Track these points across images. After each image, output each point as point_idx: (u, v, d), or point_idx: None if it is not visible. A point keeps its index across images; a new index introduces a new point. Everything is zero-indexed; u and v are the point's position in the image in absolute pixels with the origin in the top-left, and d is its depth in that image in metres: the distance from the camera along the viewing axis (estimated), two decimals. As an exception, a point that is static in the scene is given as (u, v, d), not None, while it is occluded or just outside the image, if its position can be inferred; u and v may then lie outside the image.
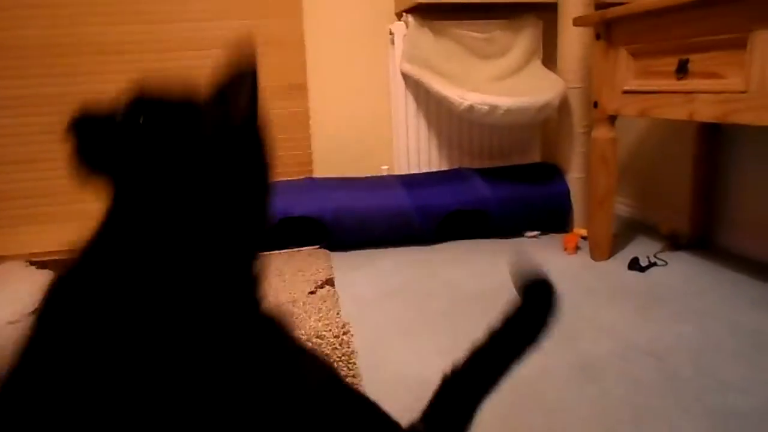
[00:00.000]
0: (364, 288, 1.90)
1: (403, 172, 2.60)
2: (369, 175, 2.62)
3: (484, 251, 2.24)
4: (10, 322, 1.73)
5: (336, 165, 2.70)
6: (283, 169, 2.62)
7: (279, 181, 2.45)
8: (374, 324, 1.61)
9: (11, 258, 2.38)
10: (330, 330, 1.34)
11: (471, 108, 2.22)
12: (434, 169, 2.63)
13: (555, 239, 2.33)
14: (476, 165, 2.62)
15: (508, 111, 2.21)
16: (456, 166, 2.63)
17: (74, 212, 2.47)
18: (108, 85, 2.45)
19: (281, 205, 2.28)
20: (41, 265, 2.28)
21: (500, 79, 2.53)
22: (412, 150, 2.63)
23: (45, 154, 2.43)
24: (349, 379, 1.24)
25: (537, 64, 2.58)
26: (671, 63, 1.66)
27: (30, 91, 2.40)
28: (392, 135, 2.71)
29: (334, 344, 1.30)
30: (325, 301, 1.71)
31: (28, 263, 2.31)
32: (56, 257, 2.36)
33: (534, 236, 2.40)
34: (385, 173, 2.70)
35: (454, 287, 1.87)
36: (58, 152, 2.41)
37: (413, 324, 1.60)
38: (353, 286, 1.92)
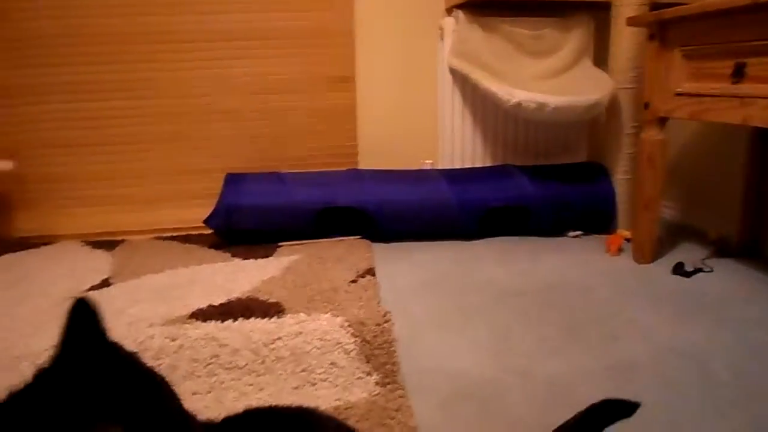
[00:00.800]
0: (404, 279, 1.93)
1: (446, 167, 2.62)
2: (413, 168, 2.65)
3: (525, 249, 2.24)
4: (66, 299, 1.83)
5: (380, 157, 2.73)
6: (329, 160, 2.68)
7: (324, 172, 2.52)
8: (412, 315, 1.63)
9: (67, 238, 2.49)
10: (371, 318, 1.38)
11: (519, 105, 2.21)
12: (479, 165, 2.64)
13: (598, 240, 2.32)
14: (521, 163, 2.61)
15: (556, 109, 2.20)
16: (500, 163, 2.64)
17: (126, 196, 2.57)
18: (160, 72, 2.54)
19: (325, 194, 2.33)
20: (95, 245, 2.39)
21: (549, 77, 2.52)
22: (456, 145, 2.64)
23: (100, 140, 2.54)
24: (388, 368, 1.27)
25: (587, 63, 2.55)
26: (727, 66, 1.62)
27: (86, 77, 2.51)
28: (437, 130, 2.72)
29: (375, 332, 1.33)
30: (366, 290, 1.75)
31: (82, 243, 2.42)
32: (108, 238, 2.46)
33: (576, 236, 2.39)
34: (428, 167, 2.72)
35: (492, 283, 1.88)
36: (112, 138, 2.53)
37: (450, 318, 1.62)
38: (393, 277, 1.95)
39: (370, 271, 1.95)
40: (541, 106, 2.20)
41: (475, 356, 1.39)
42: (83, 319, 0.53)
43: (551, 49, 2.55)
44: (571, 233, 2.39)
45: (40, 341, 1.41)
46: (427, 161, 2.76)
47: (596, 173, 2.42)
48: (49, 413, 0.52)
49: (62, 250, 2.33)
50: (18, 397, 0.53)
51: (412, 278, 1.94)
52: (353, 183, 2.39)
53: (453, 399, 1.21)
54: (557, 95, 2.23)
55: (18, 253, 2.30)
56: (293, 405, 0.69)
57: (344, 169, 2.57)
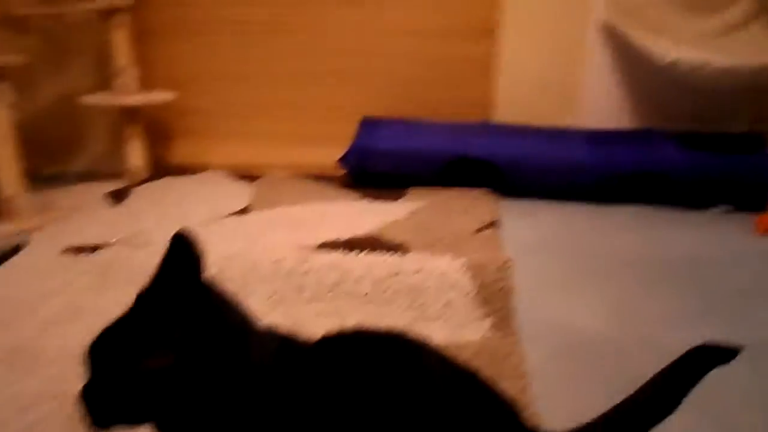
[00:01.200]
0: (529, 236, 1.90)
1: (588, 127, 2.50)
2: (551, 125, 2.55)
3: (662, 219, 2.10)
4: (209, 221, 2.00)
5: (517, 111, 2.65)
6: (464, 111, 2.64)
7: (456, 122, 2.51)
8: (534, 271, 1.61)
9: (215, 167, 2.70)
10: (492, 263, 1.38)
11: (675, 63, 2.05)
12: (623, 127, 2.49)
13: (746, 218, 2.12)
14: (670, 127, 2.43)
15: (717, 71, 2.02)
16: (647, 126, 2.47)
17: (270, 132, 2.73)
18: (317, 14, 2.63)
19: (457, 145, 2.33)
20: (239, 176, 2.57)
21: (714, 36, 2.29)
22: (601, 105, 2.51)
23: (253, 76, 2.70)
24: (503, 313, 1.28)
25: (760, 25, 2.29)
26: None
27: (247, 16, 2.65)
28: (582, 87, 2.59)
29: (494, 277, 1.34)
30: (489, 241, 1.75)
31: (229, 173, 2.62)
32: (250, 171, 2.64)
33: (722, 211, 2.20)
34: (567, 126, 2.61)
35: (622, 250, 1.80)
36: (264, 75, 2.67)
37: (573, 278, 1.58)
38: (518, 232, 1.92)
39: (495, 224, 1.94)
40: (701, 67, 2.02)
41: (594, 317, 1.35)
42: (182, 253, 0.59)
43: (719, 6, 2.31)
44: (717, 207, 2.20)
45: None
46: (566, 119, 2.65)
47: (754, 145, 2.20)
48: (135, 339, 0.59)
49: (211, 179, 2.54)
50: (121, 322, 0.61)
51: (538, 236, 1.91)
52: (486, 135, 2.37)
53: (566, 353, 1.20)
54: (721, 55, 2.03)
55: (175, 177, 2.54)
56: (386, 329, 0.71)
57: (478, 121, 2.54)
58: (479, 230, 1.86)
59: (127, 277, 1.51)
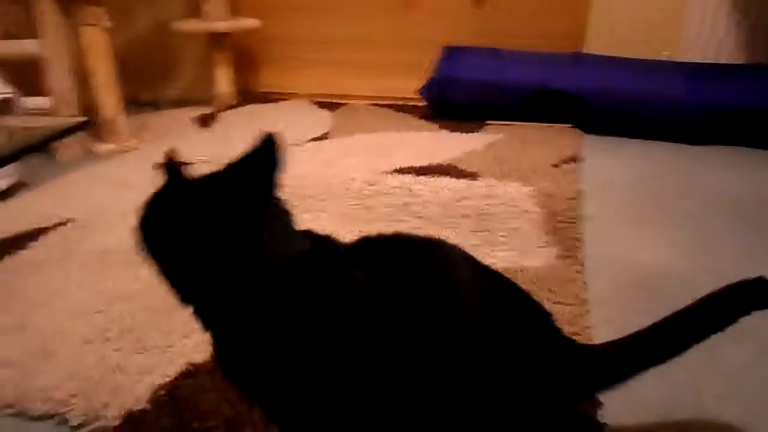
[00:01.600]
0: (611, 173, 1.82)
1: (687, 61, 2.32)
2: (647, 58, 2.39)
3: (758, 161, 1.94)
4: (293, 145, 2.05)
5: (611, 44, 2.50)
6: (553, 42, 2.51)
7: (545, 52, 2.39)
8: (611, 206, 1.55)
9: (299, 96, 2.75)
10: (562, 193, 1.35)
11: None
12: (727, 62, 2.30)
13: None
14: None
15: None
16: (756, 61, 2.26)
17: (351, 62, 2.72)
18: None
19: (542, 76, 2.23)
20: (320, 105, 2.61)
21: None
22: (704, 37, 2.31)
23: (337, 5, 2.68)
24: (569, 242, 1.25)
25: None
26: None
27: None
28: (683, 18, 2.39)
29: (563, 206, 1.31)
30: (566, 175, 1.69)
31: (310, 102, 2.66)
32: (332, 100, 2.67)
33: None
34: (665, 59, 2.44)
35: (708, 189, 1.69)
36: (346, 3, 2.65)
37: (651, 215, 1.51)
38: (599, 169, 1.85)
39: (575, 159, 1.87)
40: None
41: (667, 253, 1.29)
42: (266, 149, 0.63)
43: None
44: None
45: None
46: (664, 53, 2.47)
47: None
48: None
49: (293, 106, 2.60)
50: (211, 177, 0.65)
51: (620, 173, 1.82)
52: (573, 67, 2.25)
53: (632, 286, 1.16)
54: None
55: (259, 104, 2.61)
56: (427, 236, 0.71)
57: (566, 51, 2.41)
58: (557, 164, 1.80)
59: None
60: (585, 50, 2.52)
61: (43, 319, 1.08)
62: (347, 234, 1.34)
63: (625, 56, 2.33)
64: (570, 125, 2.25)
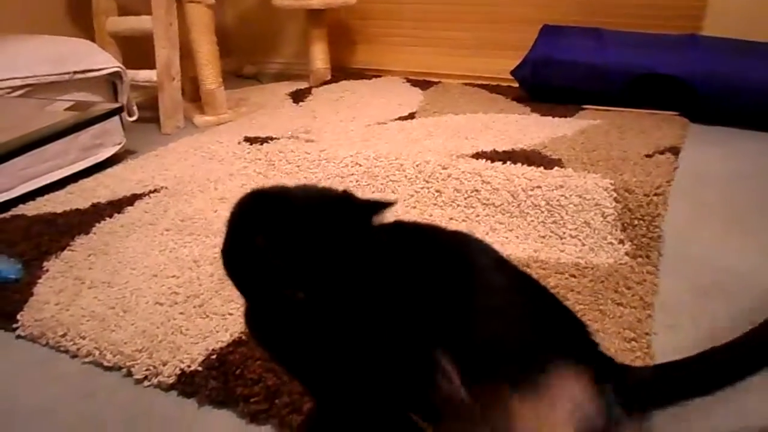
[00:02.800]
0: (712, 166, 1.68)
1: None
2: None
3: None
4: (381, 123, 2.07)
5: (734, 24, 2.27)
6: (666, 22, 2.32)
7: (653, 34, 2.19)
8: (702, 203, 1.44)
9: (393, 73, 2.76)
10: (641, 188, 1.26)
11: None
12: None
13: None
14: None
15: None
16: None
17: (447, 39, 2.68)
18: None
19: (647, 59, 2.09)
20: (413, 83, 2.60)
21: None
22: None
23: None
24: (644, 241, 1.18)
25: None
26: None
27: None
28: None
29: (640, 202, 1.22)
30: (658, 167, 1.58)
31: (404, 79, 2.66)
32: (425, 78, 2.65)
33: None
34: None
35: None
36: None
37: (745, 217, 1.38)
38: (700, 161, 1.71)
39: (673, 150, 1.74)
40: None
41: (758, 260, 1.18)
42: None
43: None
44: None
45: (349, 151, 1.64)
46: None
47: None
48: None
49: (386, 83, 2.61)
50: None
51: (723, 167, 1.68)
52: (683, 50, 2.08)
53: (709, 293, 1.08)
54: None
55: (353, 81, 2.64)
56: (457, 231, 0.72)
57: (681, 34, 2.22)
58: (651, 155, 1.69)
59: (290, 167, 1.66)
60: (704, 32, 2.32)
61: (126, 278, 1.18)
62: (414, 217, 1.35)
63: (745, 39, 2.11)
64: (676, 113, 2.10)
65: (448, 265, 0.64)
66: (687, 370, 0.66)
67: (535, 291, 0.67)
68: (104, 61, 1.80)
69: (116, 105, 1.43)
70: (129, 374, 0.94)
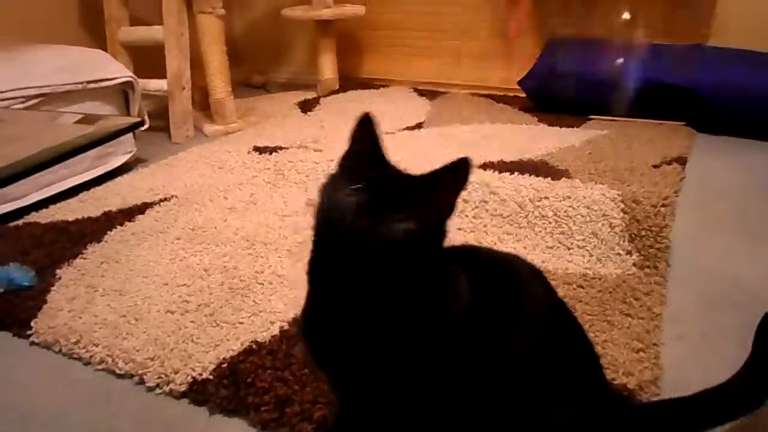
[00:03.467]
0: (720, 177, 1.69)
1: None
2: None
3: None
4: (388, 133, 2.08)
5: (741, 37, 2.27)
6: (673, 33, 2.32)
7: (660, 45, 2.20)
8: (711, 214, 1.45)
9: (400, 83, 2.77)
10: (649, 198, 1.27)
11: None
12: None
13: None
14: None
15: None
16: None
17: (454, 49, 2.69)
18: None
19: (654, 69, 2.10)
20: (420, 92, 2.62)
21: None
22: None
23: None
24: (651, 252, 1.18)
25: None
26: None
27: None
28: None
29: (648, 213, 1.23)
30: (665, 177, 1.59)
31: (411, 89, 2.67)
32: (432, 88, 2.66)
33: None
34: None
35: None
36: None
37: (757, 228, 1.38)
38: (708, 171, 1.72)
39: (681, 160, 1.74)
40: None
41: (763, 269, 1.19)
42: (366, 127, 0.63)
43: None
44: None
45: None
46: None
47: None
48: None
49: (394, 93, 2.62)
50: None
51: (731, 178, 1.69)
52: (690, 60, 2.09)
53: (720, 304, 1.08)
54: None
55: (361, 91, 2.66)
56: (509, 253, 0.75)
57: (686, 44, 2.23)
58: (659, 165, 1.70)
59: (298, 177, 1.67)
60: (711, 43, 2.33)
61: (138, 287, 1.20)
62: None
63: (752, 50, 2.12)
64: (682, 123, 2.11)
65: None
66: (689, 408, 0.68)
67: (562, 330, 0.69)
68: (117, 70, 1.83)
69: (135, 119, 1.44)
70: (141, 382, 0.95)
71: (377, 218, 0.55)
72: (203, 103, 2.33)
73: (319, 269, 0.62)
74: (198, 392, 0.91)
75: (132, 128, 1.22)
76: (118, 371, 0.97)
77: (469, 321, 0.62)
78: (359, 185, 0.57)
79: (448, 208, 0.62)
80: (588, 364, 0.69)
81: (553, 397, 0.62)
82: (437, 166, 0.61)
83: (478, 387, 0.62)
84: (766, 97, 1.93)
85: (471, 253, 0.73)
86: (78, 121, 1.37)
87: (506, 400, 0.62)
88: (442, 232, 0.62)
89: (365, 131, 0.62)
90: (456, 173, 0.61)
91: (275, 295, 1.14)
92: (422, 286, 0.60)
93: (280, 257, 1.29)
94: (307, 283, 0.64)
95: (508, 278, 0.67)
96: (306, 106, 2.47)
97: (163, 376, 0.94)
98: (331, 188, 0.59)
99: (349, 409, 0.71)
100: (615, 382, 0.87)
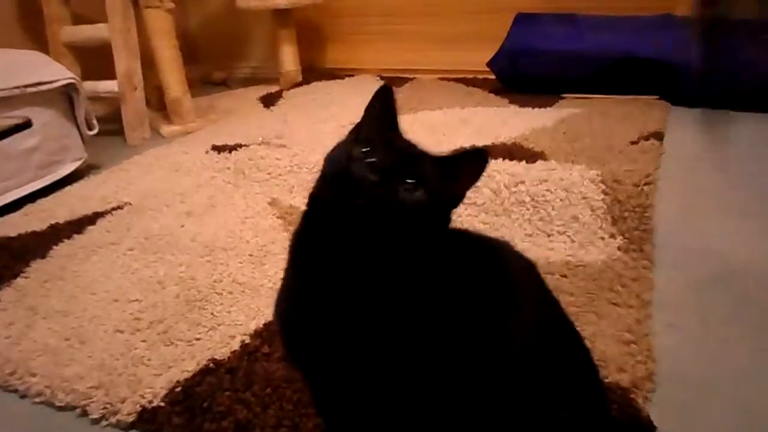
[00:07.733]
0: (698, 151, 1.63)
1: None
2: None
3: None
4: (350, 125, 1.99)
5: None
6: (637, 4, 2.26)
7: (630, 16, 2.11)
8: (693, 189, 1.38)
9: (365, 72, 2.67)
10: (629, 177, 1.20)
11: None
12: None
13: None
14: None
15: None
16: None
17: (418, 33, 2.60)
18: None
19: (625, 42, 2.03)
20: (388, 80, 2.52)
21: None
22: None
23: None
24: (636, 234, 1.11)
25: None
26: None
27: None
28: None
29: (630, 193, 1.16)
30: (644, 153, 1.52)
31: (377, 78, 2.57)
32: (399, 75, 2.57)
33: None
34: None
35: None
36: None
37: (745, 203, 1.32)
38: (687, 146, 1.66)
39: (658, 135, 1.68)
40: None
41: (752, 246, 1.12)
42: (384, 99, 0.63)
43: None
44: None
45: (322, 154, 1.56)
46: (772, 11, 2.17)
47: None
48: None
49: (359, 82, 2.52)
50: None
51: (711, 151, 1.63)
52: (662, 31, 2.02)
53: (713, 286, 1.01)
54: None
55: (326, 81, 2.56)
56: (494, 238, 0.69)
57: (656, 14, 2.16)
58: (636, 141, 1.63)
59: (260, 175, 1.57)
60: (677, 12, 2.27)
61: (84, 306, 1.09)
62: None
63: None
64: (657, 97, 2.04)
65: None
66: None
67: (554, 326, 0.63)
68: (57, 72, 1.69)
69: (15, 121, 1.31)
70: (84, 414, 0.85)
71: (388, 185, 0.54)
72: (159, 103, 2.21)
73: (309, 242, 0.60)
74: (148, 422, 0.81)
75: (12, 131, 1.09)
76: (58, 403, 0.87)
77: (460, 305, 0.58)
78: (371, 149, 0.57)
79: (458, 193, 0.62)
80: (582, 362, 0.64)
81: (549, 398, 0.56)
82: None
83: (469, 381, 0.56)
84: (749, 68, 1.87)
85: (463, 236, 0.68)
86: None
87: (496, 398, 0.56)
88: (446, 218, 0.61)
89: (383, 102, 0.63)
90: (474, 163, 0.61)
91: (235, 305, 1.05)
92: (424, 262, 0.58)
93: (241, 263, 1.19)
94: (289, 261, 0.62)
95: (498, 268, 0.63)
96: (268, 101, 2.36)
97: (108, 405, 0.84)
98: (342, 154, 0.59)
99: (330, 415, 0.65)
100: (607, 380, 0.79)
